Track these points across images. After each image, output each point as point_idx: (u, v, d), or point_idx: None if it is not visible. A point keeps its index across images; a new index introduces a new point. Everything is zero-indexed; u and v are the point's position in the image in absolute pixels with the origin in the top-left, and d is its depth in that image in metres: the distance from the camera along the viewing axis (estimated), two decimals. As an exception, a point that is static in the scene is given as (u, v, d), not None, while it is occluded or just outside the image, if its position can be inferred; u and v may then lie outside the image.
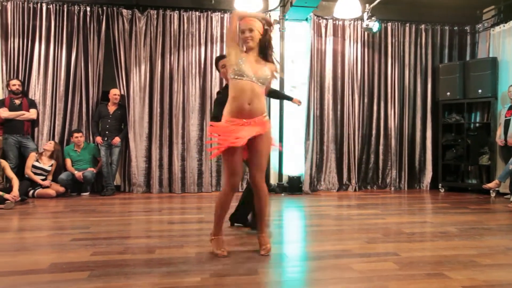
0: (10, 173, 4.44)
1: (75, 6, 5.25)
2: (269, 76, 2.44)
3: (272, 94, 3.61)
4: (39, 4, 5.19)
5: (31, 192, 4.77)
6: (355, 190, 5.68)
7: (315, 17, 5.62)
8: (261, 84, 2.41)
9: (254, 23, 2.41)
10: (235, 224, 3.19)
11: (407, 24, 5.92)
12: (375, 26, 5.12)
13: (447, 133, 5.87)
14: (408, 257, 2.43)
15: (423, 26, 5.96)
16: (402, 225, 3.40)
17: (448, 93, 5.68)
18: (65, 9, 5.23)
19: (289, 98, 3.78)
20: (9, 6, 5.14)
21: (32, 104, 5.07)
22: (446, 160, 5.79)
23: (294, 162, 5.61)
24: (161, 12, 5.37)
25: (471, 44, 6.07)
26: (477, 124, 5.83)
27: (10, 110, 4.90)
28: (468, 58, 5.99)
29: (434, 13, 5.92)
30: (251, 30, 2.40)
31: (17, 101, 4.96)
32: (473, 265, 2.27)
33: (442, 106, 5.81)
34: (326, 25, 5.74)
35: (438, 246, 2.70)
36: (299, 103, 3.77)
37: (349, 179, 5.77)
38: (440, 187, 5.75)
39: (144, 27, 5.36)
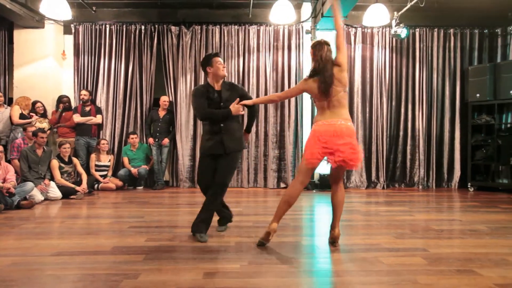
0: (80, 169, 4.79)
1: (132, 25, 5.54)
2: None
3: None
4: (103, 26, 5.54)
5: (96, 185, 5.10)
6: (383, 188, 5.47)
7: (345, 26, 5.49)
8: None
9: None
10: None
11: (435, 29, 5.61)
12: (403, 32, 4.91)
13: (476, 133, 5.48)
14: (437, 253, 2.30)
15: (451, 31, 5.62)
16: (430, 222, 3.22)
17: (478, 95, 5.29)
18: (124, 29, 5.53)
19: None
20: (80, 28, 5.54)
21: (98, 111, 5.42)
22: (475, 160, 5.40)
23: (325, 161, 5.50)
24: (204, 27, 5.52)
25: (502, 46, 5.64)
26: (508, 125, 5.38)
27: (81, 116, 5.27)
28: (499, 60, 5.56)
29: (463, 17, 5.57)
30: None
31: (87, 108, 5.33)
32: (505, 264, 2.10)
33: (471, 107, 5.43)
34: (355, 33, 5.59)
35: (468, 244, 2.53)
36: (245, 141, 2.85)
37: (377, 177, 5.58)
38: (469, 186, 5.38)
39: (189, 41, 5.53)
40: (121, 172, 5.33)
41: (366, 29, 5.58)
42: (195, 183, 5.51)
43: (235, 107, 2.61)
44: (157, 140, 5.41)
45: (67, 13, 4.76)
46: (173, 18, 5.60)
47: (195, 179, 5.51)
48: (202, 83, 5.56)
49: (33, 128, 4.65)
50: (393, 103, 5.64)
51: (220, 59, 2.67)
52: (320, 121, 2.38)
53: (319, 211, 3.99)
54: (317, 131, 2.36)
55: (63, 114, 5.30)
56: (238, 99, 2.64)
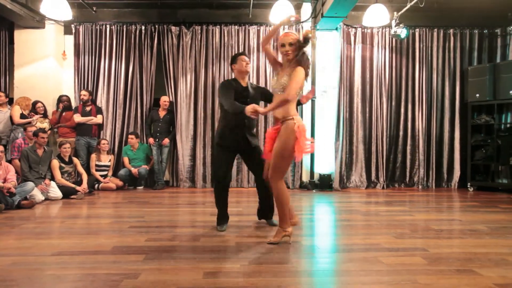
0: (80, 169, 4.78)
1: (133, 25, 5.53)
2: (286, 82, 2.38)
3: None
4: (104, 26, 5.53)
5: (96, 185, 5.09)
6: (383, 188, 5.47)
7: (345, 26, 5.49)
8: (282, 92, 2.42)
9: (292, 36, 2.43)
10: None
11: (435, 30, 5.61)
12: (403, 32, 4.91)
13: (476, 133, 5.48)
14: (437, 253, 2.30)
15: (451, 31, 5.61)
16: (430, 222, 3.21)
17: (477, 95, 5.29)
18: (124, 29, 5.53)
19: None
20: (80, 29, 5.53)
21: (99, 111, 5.41)
22: (475, 160, 5.40)
23: (325, 160, 5.51)
24: (204, 27, 5.51)
25: (502, 46, 5.63)
26: (508, 125, 5.38)
27: (82, 115, 5.26)
28: (498, 60, 5.56)
29: (463, 18, 5.57)
30: (290, 44, 2.42)
31: (88, 108, 5.32)
32: (505, 264, 2.10)
33: (471, 107, 5.43)
34: (355, 33, 5.58)
35: (468, 244, 2.52)
36: (311, 96, 2.78)
37: (377, 177, 5.57)
38: (468, 186, 5.38)
39: (189, 41, 5.53)
40: (122, 172, 5.33)
41: (366, 29, 5.57)
42: (195, 183, 5.51)
43: (250, 108, 2.43)
44: (157, 140, 5.41)
45: (67, 13, 4.76)
46: (173, 18, 5.59)
47: (195, 178, 5.51)
48: (202, 83, 5.57)
49: (34, 128, 4.65)
50: (393, 103, 5.63)
51: (245, 57, 2.88)
52: (299, 118, 2.43)
53: (319, 211, 3.98)
54: (303, 129, 2.38)
55: (63, 114, 5.30)
56: (253, 105, 2.49)
